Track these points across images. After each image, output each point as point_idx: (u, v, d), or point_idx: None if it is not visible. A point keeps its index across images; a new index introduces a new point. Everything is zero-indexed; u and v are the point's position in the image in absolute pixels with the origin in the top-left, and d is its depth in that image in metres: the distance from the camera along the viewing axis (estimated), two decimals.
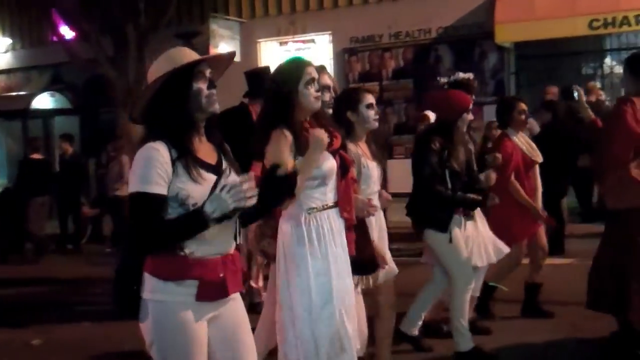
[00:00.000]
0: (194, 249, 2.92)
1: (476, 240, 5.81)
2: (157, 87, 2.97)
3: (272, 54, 17.44)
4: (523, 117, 6.49)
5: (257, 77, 7.30)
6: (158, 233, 2.86)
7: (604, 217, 5.64)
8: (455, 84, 5.97)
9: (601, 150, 5.20)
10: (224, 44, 16.90)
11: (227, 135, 6.30)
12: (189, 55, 3.02)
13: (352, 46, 16.24)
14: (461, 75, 6.05)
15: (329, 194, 3.95)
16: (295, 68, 3.93)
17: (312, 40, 16.99)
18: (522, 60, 15.11)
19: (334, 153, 4.00)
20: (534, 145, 6.59)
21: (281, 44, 17.35)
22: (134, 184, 2.87)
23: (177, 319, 2.93)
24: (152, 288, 2.96)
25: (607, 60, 14.93)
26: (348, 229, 4.08)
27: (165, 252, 2.91)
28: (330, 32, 16.47)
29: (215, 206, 2.79)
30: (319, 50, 16.92)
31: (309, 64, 3.99)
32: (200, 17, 17.38)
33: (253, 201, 2.85)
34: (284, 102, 3.84)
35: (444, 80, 6.19)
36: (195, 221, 2.83)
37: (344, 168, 4.10)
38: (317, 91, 3.91)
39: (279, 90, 3.87)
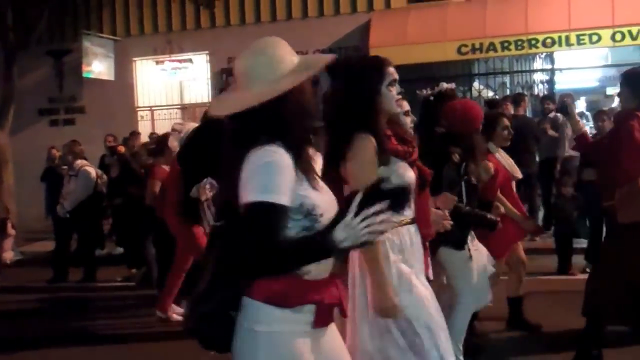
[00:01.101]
0: (310, 268, 2.48)
1: (477, 258, 5.43)
2: (287, 89, 2.51)
3: (148, 73, 17.20)
4: (506, 132, 6.40)
5: None
6: (281, 253, 2.40)
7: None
8: (439, 95, 5.74)
9: (608, 166, 5.22)
10: (97, 62, 16.55)
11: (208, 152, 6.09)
12: (317, 57, 2.73)
13: (230, 66, 16.17)
14: (445, 85, 5.84)
15: (407, 208, 3.54)
16: (376, 66, 3.55)
17: (190, 60, 16.89)
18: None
19: (411, 164, 3.66)
20: (512, 161, 6.56)
21: (157, 62, 17.14)
22: (254, 193, 2.37)
23: (294, 351, 2.50)
24: (264, 318, 2.46)
25: (476, 84, 15.56)
26: (423, 246, 3.76)
27: (281, 275, 2.47)
28: (207, 51, 16.42)
29: (346, 235, 2.35)
30: (196, 70, 16.85)
31: (389, 62, 3.63)
32: (72, 35, 16.93)
33: (383, 236, 2.46)
34: (365, 104, 3.43)
35: (426, 92, 5.98)
36: (321, 247, 2.41)
37: (421, 180, 3.79)
38: (398, 94, 3.62)
39: (359, 90, 3.45)
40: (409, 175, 3.55)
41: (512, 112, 11.11)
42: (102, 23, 17.17)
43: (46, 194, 12.94)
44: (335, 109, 3.48)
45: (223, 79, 16.29)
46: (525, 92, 13.80)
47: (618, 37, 13.39)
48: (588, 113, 14.59)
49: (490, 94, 15.17)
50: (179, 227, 7.16)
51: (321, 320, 2.54)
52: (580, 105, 14.24)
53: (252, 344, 2.47)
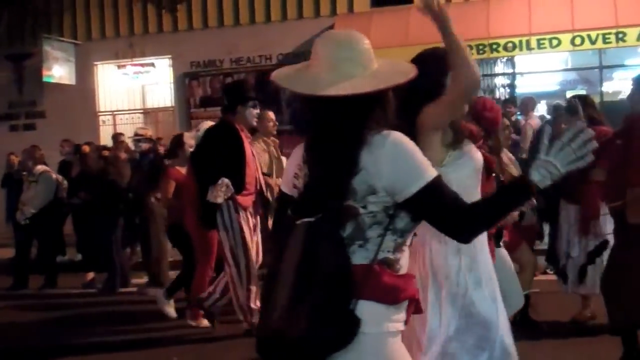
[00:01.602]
0: (403, 263, 2.41)
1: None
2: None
3: (109, 77, 17.06)
4: (507, 132, 6.38)
5: (237, 90, 6.99)
6: (484, 208, 2.38)
7: None
8: None
9: (620, 166, 5.25)
10: (58, 66, 16.38)
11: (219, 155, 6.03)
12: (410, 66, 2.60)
13: (193, 70, 16.17)
14: None
15: (477, 196, 3.37)
16: (444, 57, 3.51)
17: (152, 64, 16.78)
18: None
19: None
20: (514, 159, 6.57)
21: (119, 67, 17.01)
22: (430, 170, 2.32)
23: (400, 350, 2.40)
24: (372, 316, 2.28)
25: None
26: (488, 238, 3.69)
27: (392, 268, 2.35)
28: (170, 56, 16.33)
29: (544, 173, 2.29)
30: (158, 74, 16.74)
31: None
32: (32, 38, 16.71)
33: (590, 158, 2.30)
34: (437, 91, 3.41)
35: None
36: (521, 193, 2.34)
37: (486, 167, 3.71)
38: None
39: (435, 78, 3.45)
40: (478, 157, 3.50)
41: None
42: (63, 26, 17.01)
43: (6, 200, 12.77)
44: (411, 98, 3.28)
45: (186, 83, 16.21)
46: (487, 96, 13.94)
47: (577, 41, 13.59)
48: (549, 116, 14.78)
49: None
50: (197, 231, 7.03)
51: (409, 317, 2.45)
52: (541, 109, 14.39)
53: (358, 347, 2.26)
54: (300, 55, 15.31)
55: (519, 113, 12.38)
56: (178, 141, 8.01)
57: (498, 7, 14.29)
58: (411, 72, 2.50)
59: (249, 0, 15.88)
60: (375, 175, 2.28)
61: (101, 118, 16.98)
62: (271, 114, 8.00)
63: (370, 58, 2.45)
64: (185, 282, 7.55)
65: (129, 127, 16.23)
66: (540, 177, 2.30)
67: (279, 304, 2.28)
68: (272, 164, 7.62)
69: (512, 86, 15.22)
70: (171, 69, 16.45)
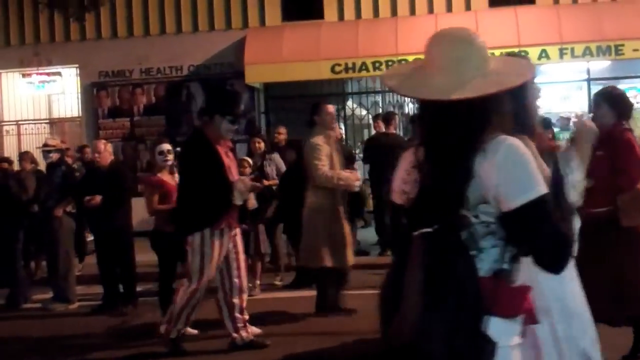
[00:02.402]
0: (519, 272, 2.30)
1: None
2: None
3: (14, 86, 16.58)
4: None
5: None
6: (569, 237, 2.29)
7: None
8: None
9: (606, 175, 5.49)
10: None
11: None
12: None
13: (101, 80, 15.88)
14: None
15: None
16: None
17: (59, 73, 16.41)
18: (271, 100, 15.67)
19: None
20: None
21: (24, 75, 16.55)
22: (541, 185, 2.19)
23: None
24: (497, 330, 2.19)
25: (349, 103, 15.90)
26: None
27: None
28: (77, 65, 15.99)
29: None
30: (65, 83, 16.39)
31: None
32: None
33: None
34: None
35: None
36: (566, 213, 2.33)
37: None
38: None
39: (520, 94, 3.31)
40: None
41: (383, 130, 11.42)
42: None
43: None
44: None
45: (94, 93, 15.91)
46: (396, 111, 14.22)
47: None
48: None
49: (364, 112, 15.52)
50: None
51: (526, 329, 2.35)
52: None
53: None
54: (211, 67, 15.31)
55: None
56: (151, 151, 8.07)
57: (406, 24, 14.62)
58: (527, 72, 2.45)
59: (159, 11, 15.72)
60: (487, 183, 2.19)
61: (5, 128, 16.47)
62: (331, 107, 7.91)
63: (486, 57, 2.35)
64: (161, 289, 7.52)
65: (34, 138, 15.82)
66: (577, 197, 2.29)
67: (409, 317, 2.19)
68: (332, 156, 7.58)
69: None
70: (78, 78, 16.10)
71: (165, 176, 7.57)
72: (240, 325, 6.44)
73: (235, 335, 6.45)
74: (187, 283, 6.33)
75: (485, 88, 2.24)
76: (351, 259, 7.71)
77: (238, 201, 6.31)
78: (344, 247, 7.54)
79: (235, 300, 6.41)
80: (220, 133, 6.34)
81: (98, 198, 8.36)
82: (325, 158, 7.43)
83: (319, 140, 7.50)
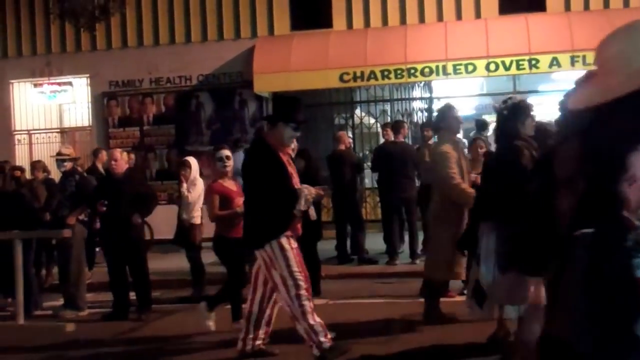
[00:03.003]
0: None
1: None
2: None
3: (25, 96, 16.68)
4: None
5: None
6: None
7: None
8: (515, 108, 6.06)
9: None
10: None
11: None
12: None
13: (112, 90, 15.96)
14: (518, 97, 6.37)
15: None
16: None
17: (70, 83, 16.50)
18: None
19: None
20: None
21: (35, 85, 16.65)
22: None
23: None
24: None
25: (358, 112, 15.91)
26: None
27: None
28: (88, 75, 16.08)
29: None
30: (76, 93, 16.48)
31: None
32: None
33: None
34: None
35: (499, 105, 6.26)
36: None
37: None
38: None
39: None
40: None
41: (392, 138, 11.43)
42: None
43: None
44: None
45: (104, 103, 15.99)
46: (405, 120, 14.25)
47: (492, 67, 14.01)
48: (465, 140, 15.15)
49: (372, 121, 15.53)
50: None
51: None
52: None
53: None
54: (220, 76, 15.37)
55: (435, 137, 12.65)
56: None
57: (415, 33, 14.64)
58: None
59: (169, 21, 15.80)
60: None
61: (17, 137, 16.56)
62: (456, 111, 7.59)
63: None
64: (230, 295, 7.55)
65: (45, 147, 15.92)
66: None
67: (565, 317, 2.20)
68: (461, 162, 7.36)
69: (429, 110, 15.55)
70: (89, 88, 16.19)
71: (225, 182, 7.74)
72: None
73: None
74: (284, 293, 6.09)
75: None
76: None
77: (303, 207, 6.20)
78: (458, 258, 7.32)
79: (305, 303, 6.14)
80: (283, 140, 6.28)
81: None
82: (455, 167, 7.18)
83: (447, 148, 7.26)
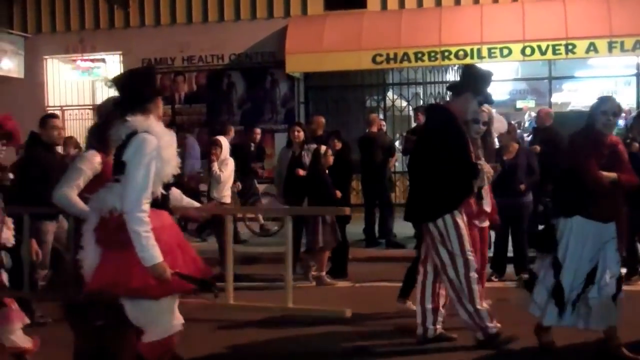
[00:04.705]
0: None
1: None
2: None
3: (59, 72, 16.78)
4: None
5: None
6: None
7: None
8: None
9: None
10: (7, 59, 16.05)
11: None
12: None
13: (144, 67, 15.96)
14: None
15: None
16: None
17: (102, 60, 16.57)
18: (311, 91, 15.62)
19: None
20: None
21: (69, 61, 16.74)
22: None
23: None
24: None
25: (390, 94, 15.76)
26: None
27: None
28: (120, 52, 16.11)
29: None
30: (109, 69, 16.52)
31: None
32: None
33: None
34: None
35: None
36: None
37: None
38: None
39: None
40: None
41: (423, 122, 11.28)
42: (13, 19, 16.65)
43: None
44: None
45: None
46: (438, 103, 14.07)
47: (528, 51, 13.78)
48: None
49: (404, 103, 15.38)
50: None
51: None
52: None
53: None
54: (252, 56, 15.31)
55: None
56: None
57: (450, 15, 14.43)
58: None
59: None
60: None
61: (50, 113, 16.68)
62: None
63: None
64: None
65: (78, 123, 16.00)
66: None
67: None
68: None
69: None
70: (122, 65, 16.22)
71: None
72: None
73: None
74: (451, 273, 5.79)
75: None
76: None
77: (481, 183, 5.95)
78: None
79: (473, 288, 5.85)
80: (467, 112, 5.96)
81: None
82: None
83: None
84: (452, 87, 6.32)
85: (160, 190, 4.17)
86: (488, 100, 6.11)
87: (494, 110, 6.48)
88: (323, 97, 15.49)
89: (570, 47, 13.67)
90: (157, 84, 4.26)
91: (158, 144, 4.09)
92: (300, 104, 15.43)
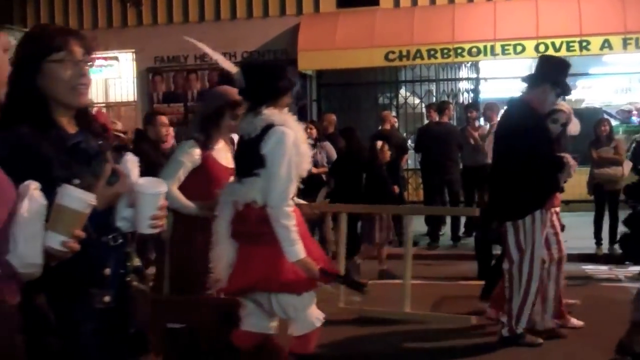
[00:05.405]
0: None
1: None
2: None
3: None
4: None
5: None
6: None
7: None
8: None
9: None
10: None
11: None
12: None
13: (157, 66, 16.02)
14: None
15: None
16: None
17: (116, 58, 16.58)
18: (323, 88, 15.59)
19: None
20: None
21: None
22: None
23: None
24: None
25: (402, 91, 15.72)
26: None
27: None
28: (133, 50, 16.15)
29: None
30: (122, 68, 16.55)
31: None
32: None
33: None
34: None
35: None
36: None
37: None
38: None
39: None
40: None
41: (436, 119, 11.26)
42: (26, 18, 16.72)
43: None
44: None
45: (149, 78, 16.05)
46: (450, 100, 14.01)
47: (542, 48, 13.69)
48: None
49: (417, 101, 15.34)
50: None
51: None
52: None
53: None
54: (264, 53, 15.30)
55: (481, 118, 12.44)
56: None
57: (463, 12, 14.37)
58: None
59: None
60: None
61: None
62: None
63: None
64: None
65: None
66: None
67: None
68: None
69: (475, 91, 15.30)
70: (134, 63, 16.27)
71: None
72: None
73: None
74: (515, 267, 5.74)
75: None
76: None
77: (568, 177, 5.86)
78: None
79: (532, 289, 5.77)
80: (545, 104, 5.80)
81: None
82: None
83: None
84: (529, 78, 6.09)
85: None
86: (566, 91, 5.97)
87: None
88: (335, 95, 15.46)
89: (584, 43, 13.57)
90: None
91: (296, 138, 3.98)
92: (313, 102, 15.40)
